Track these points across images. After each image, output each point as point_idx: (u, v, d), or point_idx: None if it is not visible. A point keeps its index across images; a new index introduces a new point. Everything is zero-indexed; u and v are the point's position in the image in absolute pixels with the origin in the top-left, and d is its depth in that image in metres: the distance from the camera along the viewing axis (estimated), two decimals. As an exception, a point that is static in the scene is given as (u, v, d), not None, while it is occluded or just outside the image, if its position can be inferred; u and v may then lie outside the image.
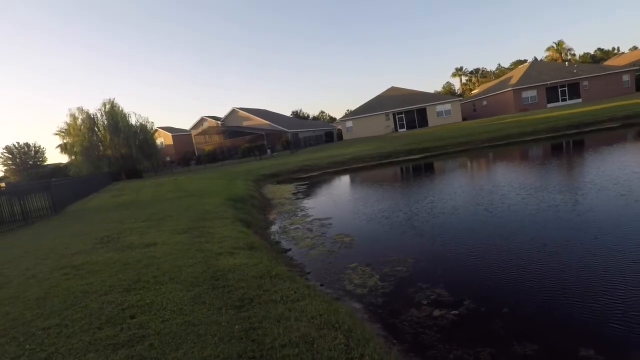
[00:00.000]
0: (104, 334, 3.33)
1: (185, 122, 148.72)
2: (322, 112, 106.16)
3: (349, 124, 48.77)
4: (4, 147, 57.27)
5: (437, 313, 4.20)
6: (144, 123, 38.79)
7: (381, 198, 12.19)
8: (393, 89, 50.83)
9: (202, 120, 57.65)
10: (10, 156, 57.41)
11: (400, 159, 22.79)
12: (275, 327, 3.24)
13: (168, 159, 53.56)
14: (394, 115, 46.09)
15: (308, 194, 15.62)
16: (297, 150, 42.87)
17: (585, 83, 42.51)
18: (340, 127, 53.93)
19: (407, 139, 30.36)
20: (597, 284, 4.36)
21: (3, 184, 42.37)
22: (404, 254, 6.27)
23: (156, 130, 45.16)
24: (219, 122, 55.03)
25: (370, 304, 4.70)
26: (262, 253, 6.09)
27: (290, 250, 7.54)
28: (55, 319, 3.78)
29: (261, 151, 43.67)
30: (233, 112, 54.13)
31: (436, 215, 8.57)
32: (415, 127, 44.89)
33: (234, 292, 4.12)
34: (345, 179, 19.76)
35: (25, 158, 58.67)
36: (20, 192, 14.12)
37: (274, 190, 18.00)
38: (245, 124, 52.33)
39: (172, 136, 58.12)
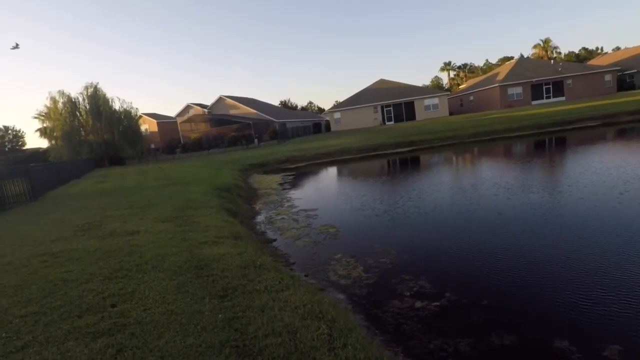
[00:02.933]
0: (84, 322, 3.28)
1: (171, 109, 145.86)
2: (311, 103, 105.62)
3: (337, 115, 48.67)
4: (-20, 129, 55.11)
5: (418, 304, 4.27)
6: (127, 108, 37.89)
7: (367, 190, 12.26)
8: (381, 81, 50.85)
9: (187, 107, 56.57)
10: (-14, 139, 55.42)
11: (387, 151, 22.91)
12: (258, 317, 3.24)
13: (152, 146, 52.54)
14: (382, 107, 46.19)
15: (294, 184, 15.59)
16: (285, 140, 42.62)
17: (569, 81, 43.36)
18: (328, 118, 53.82)
19: (395, 131, 30.51)
20: (572, 276, 4.50)
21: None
22: (388, 245, 6.34)
23: (140, 116, 44.16)
24: (205, 110, 54.13)
25: (354, 294, 4.75)
26: (246, 242, 6.06)
27: (275, 240, 7.54)
28: (32, 306, 3.70)
29: (248, 140, 43.23)
30: (220, 100, 53.31)
31: (420, 208, 8.67)
32: (403, 120, 45.13)
33: (217, 281, 4.10)
34: (332, 171, 19.77)
35: (3, 141, 56.70)
36: (-3, 176, 13.64)
37: (260, 180, 17.90)
38: (232, 112, 51.65)
39: (157, 123, 56.94)
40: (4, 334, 3.16)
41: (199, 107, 55.51)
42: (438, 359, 3.29)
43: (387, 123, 45.62)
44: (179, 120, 55.36)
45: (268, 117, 49.66)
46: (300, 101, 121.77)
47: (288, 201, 11.57)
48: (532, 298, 4.18)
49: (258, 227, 8.81)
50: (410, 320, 3.96)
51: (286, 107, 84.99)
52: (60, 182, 19.19)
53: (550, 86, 43.56)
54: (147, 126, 55.77)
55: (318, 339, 2.89)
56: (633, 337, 3.28)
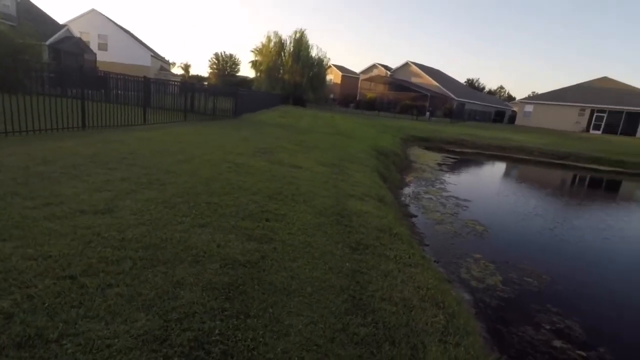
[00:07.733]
0: (244, 224, 3.99)
1: (358, 65, 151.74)
2: (501, 88, 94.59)
3: (528, 107, 42.38)
4: (214, 53, 69.54)
5: (557, 344, 3.65)
6: (321, 57, 41.50)
7: (534, 199, 10.62)
8: (605, 79, 41.12)
9: (372, 66, 58.02)
10: (216, 62, 69.31)
11: (579, 164, 18.96)
12: (380, 280, 3.33)
13: (331, 96, 56.58)
14: (592, 111, 37.78)
15: (453, 168, 14.66)
16: (458, 121, 39.84)
17: None
18: (515, 109, 47.37)
19: (599, 143, 24.84)
20: None
21: (206, 83, 51.96)
22: (541, 267, 5.47)
23: (329, 66, 47.72)
24: (388, 72, 54.50)
25: (482, 300, 4.36)
26: (389, 209, 6.14)
27: (416, 217, 7.40)
28: (215, 198, 4.68)
29: (420, 111, 42.08)
30: (405, 65, 52.70)
31: (601, 240, 7.07)
32: (616, 133, 36.12)
33: (353, 233, 4.34)
34: (500, 167, 17.72)
35: (225, 66, 69.94)
36: (216, 92, 17.20)
37: (419, 154, 17.47)
38: (413, 79, 50.60)
39: (342, 75, 60.51)
40: (194, 212, 4.13)
41: (382, 68, 56.26)
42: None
43: (592, 131, 37.34)
44: (361, 77, 57.50)
45: (448, 92, 46.83)
46: (490, 83, 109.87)
47: (441, 183, 11.04)
48: None
49: (403, 198, 8.77)
50: (541, 355, 3.44)
51: (472, 86, 78.14)
52: (254, 108, 22.83)
53: None
54: (332, 77, 59.93)
55: (432, 326, 2.81)
56: None
